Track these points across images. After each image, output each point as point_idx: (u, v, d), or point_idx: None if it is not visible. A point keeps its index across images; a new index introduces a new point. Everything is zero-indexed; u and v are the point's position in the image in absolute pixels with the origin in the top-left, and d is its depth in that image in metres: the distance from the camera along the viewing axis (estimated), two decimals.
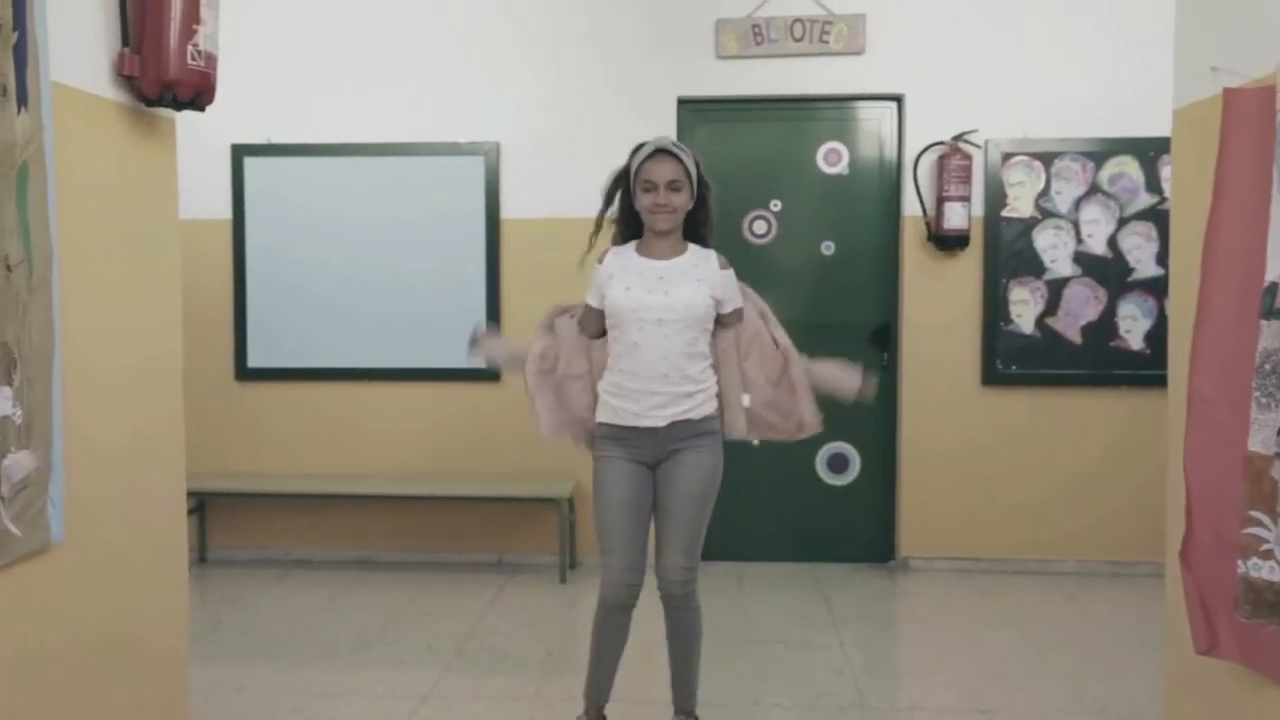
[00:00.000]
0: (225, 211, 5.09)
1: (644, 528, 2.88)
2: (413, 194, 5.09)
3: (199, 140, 4.67)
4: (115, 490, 2.25)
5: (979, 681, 3.55)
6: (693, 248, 2.92)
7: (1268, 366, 1.90)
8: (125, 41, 2.32)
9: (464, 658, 3.80)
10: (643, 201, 2.84)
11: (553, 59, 5.02)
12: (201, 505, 5.11)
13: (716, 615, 4.35)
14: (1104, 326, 4.90)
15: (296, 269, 5.11)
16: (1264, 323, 1.91)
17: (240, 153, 5.09)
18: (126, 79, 2.32)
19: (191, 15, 2.34)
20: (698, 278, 2.84)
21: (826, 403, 5.03)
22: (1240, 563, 1.97)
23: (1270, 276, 1.89)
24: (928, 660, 3.83)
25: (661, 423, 2.82)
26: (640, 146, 2.90)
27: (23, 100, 1.92)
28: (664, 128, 4.95)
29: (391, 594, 4.60)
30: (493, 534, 5.11)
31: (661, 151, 2.84)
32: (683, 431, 2.84)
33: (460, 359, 4.92)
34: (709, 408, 2.87)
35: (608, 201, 2.96)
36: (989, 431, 4.98)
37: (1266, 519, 1.91)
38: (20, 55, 1.92)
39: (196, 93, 2.40)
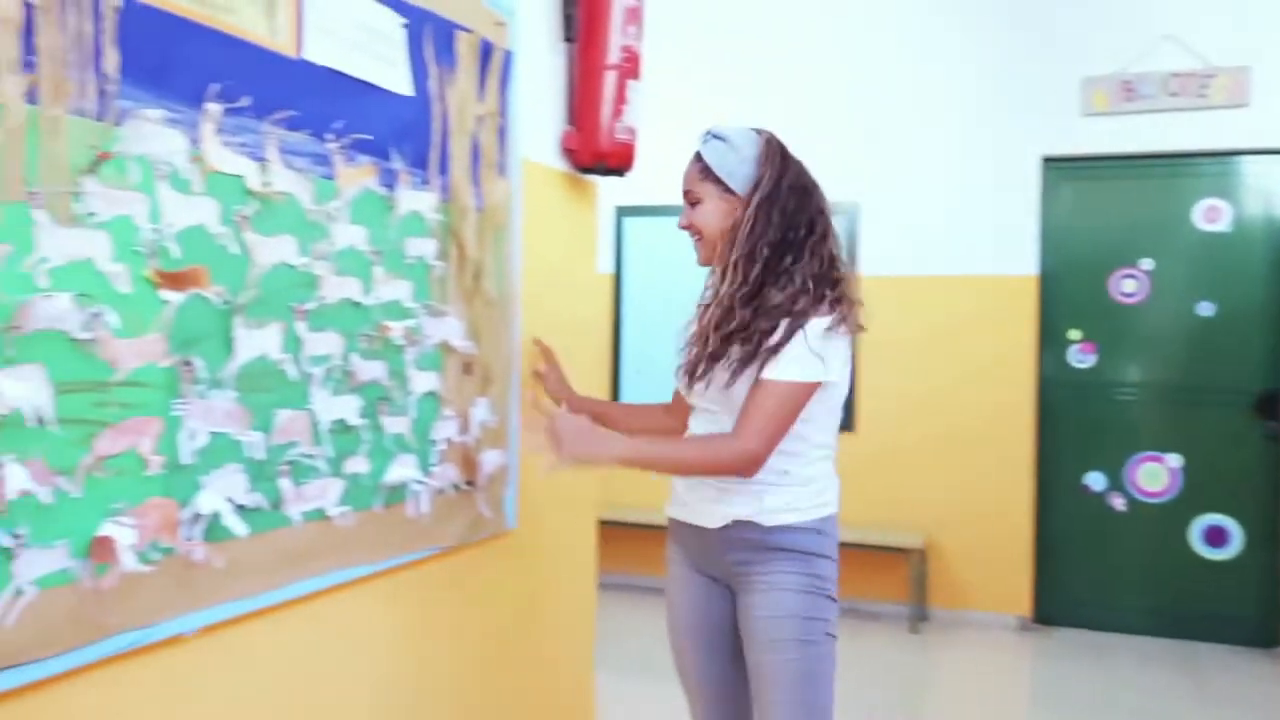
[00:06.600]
0: (608, 266, 5.69)
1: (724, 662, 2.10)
2: None
3: None
4: (546, 495, 2.67)
5: None
6: None
7: None
8: (568, 121, 2.79)
9: None
10: None
11: (914, 118, 5.20)
12: None
13: (1070, 683, 4.25)
14: None
15: (670, 318, 5.58)
16: None
17: (621, 213, 5.68)
18: (567, 152, 2.79)
19: (620, 96, 2.77)
20: None
21: (1201, 471, 4.75)
22: None
23: None
24: None
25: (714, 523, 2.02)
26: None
27: (502, 171, 2.40)
28: (1027, 186, 5.00)
29: None
30: None
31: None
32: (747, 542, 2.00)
33: None
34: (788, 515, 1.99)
35: None
36: None
37: None
38: (502, 136, 2.40)
39: (621, 162, 2.83)
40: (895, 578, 5.06)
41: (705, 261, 2.08)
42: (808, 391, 1.91)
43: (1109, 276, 4.94)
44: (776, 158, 2.00)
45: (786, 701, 1.94)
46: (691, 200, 2.05)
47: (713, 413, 2.01)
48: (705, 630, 2.08)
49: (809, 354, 1.89)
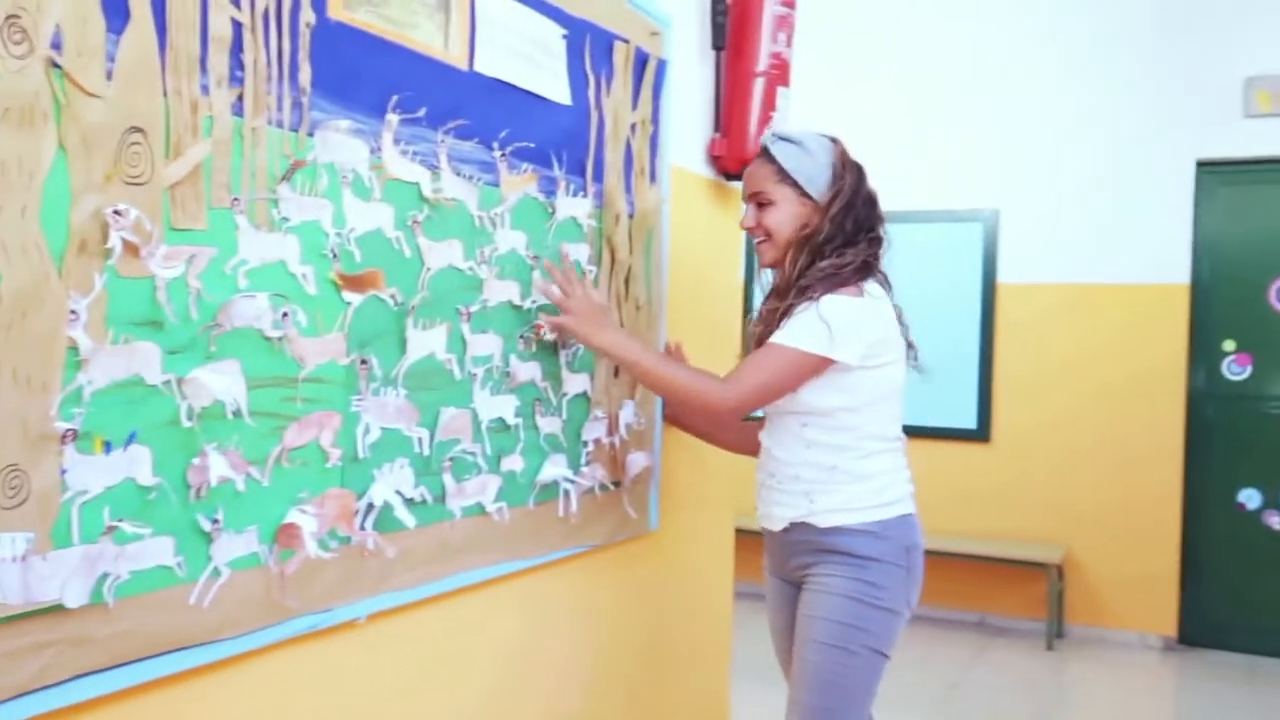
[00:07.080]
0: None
1: None
2: (910, 261, 5.33)
3: None
4: (686, 498, 2.70)
5: None
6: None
7: None
8: (716, 128, 2.81)
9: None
10: None
11: (1059, 119, 5.05)
12: None
13: (1217, 709, 4.08)
14: None
15: None
16: None
17: None
18: (714, 158, 2.81)
19: (769, 103, 2.78)
20: None
21: None
22: None
23: None
24: None
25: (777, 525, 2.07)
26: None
27: (653, 177, 2.44)
28: (1180, 191, 4.81)
29: None
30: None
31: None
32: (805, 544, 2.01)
33: (946, 418, 5.15)
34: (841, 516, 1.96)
35: None
36: None
37: None
38: (653, 143, 2.44)
39: None
40: (1031, 592, 4.92)
41: (771, 263, 2.06)
42: (808, 362, 1.88)
43: (1269, 285, 4.72)
44: (853, 165, 2.01)
45: (803, 703, 1.91)
46: (761, 201, 2.03)
47: (771, 418, 2.05)
48: (787, 634, 2.08)
49: (818, 323, 1.87)
